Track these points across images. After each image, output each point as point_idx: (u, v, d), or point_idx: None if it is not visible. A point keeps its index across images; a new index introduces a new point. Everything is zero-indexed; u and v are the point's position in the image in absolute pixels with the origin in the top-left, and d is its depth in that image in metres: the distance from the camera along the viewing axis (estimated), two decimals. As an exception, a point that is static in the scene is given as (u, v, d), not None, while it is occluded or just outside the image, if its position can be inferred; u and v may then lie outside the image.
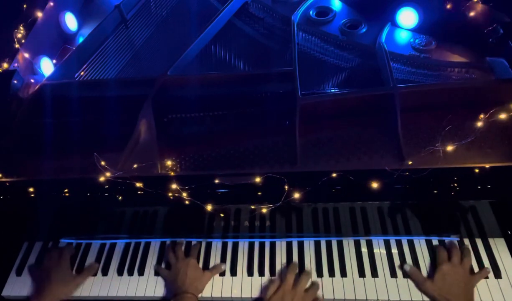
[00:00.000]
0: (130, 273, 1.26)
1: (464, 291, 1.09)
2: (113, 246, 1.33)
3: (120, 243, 1.33)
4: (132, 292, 1.22)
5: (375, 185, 0.99)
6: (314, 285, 1.17)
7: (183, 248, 1.27)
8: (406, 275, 1.18)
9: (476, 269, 1.17)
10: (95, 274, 1.27)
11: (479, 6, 1.30)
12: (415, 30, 1.39)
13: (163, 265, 1.27)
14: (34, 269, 1.29)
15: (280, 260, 1.24)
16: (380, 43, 1.28)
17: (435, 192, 1.03)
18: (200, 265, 1.24)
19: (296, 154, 1.06)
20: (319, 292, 1.17)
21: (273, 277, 1.21)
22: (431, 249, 1.23)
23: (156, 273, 1.25)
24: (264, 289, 1.18)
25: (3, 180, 1.09)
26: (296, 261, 1.23)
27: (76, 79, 1.30)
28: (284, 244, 1.28)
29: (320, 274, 1.20)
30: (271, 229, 1.25)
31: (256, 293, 1.19)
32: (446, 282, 1.10)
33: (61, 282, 1.19)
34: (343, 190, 1.03)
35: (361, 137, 1.10)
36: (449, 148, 1.02)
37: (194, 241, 1.30)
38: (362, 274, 1.19)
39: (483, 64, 1.22)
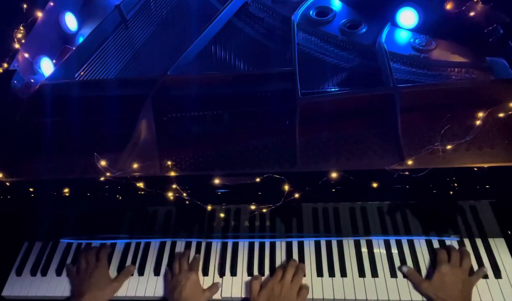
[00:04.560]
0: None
1: (461, 293, 1.08)
2: (113, 246, 1.33)
3: (120, 243, 1.33)
4: (132, 292, 1.22)
5: (375, 185, 0.99)
6: (299, 271, 1.17)
7: (187, 258, 1.26)
8: (405, 275, 1.17)
9: (476, 270, 1.17)
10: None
11: (479, 6, 1.30)
12: (415, 30, 1.39)
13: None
14: (71, 270, 1.27)
15: (280, 260, 1.24)
16: (380, 43, 1.28)
17: (435, 192, 1.03)
18: (200, 265, 1.24)
19: (296, 154, 1.06)
20: (320, 292, 1.17)
21: (255, 276, 1.21)
22: (431, 249, 1.23)
23: (156, 273, 1.25)
24: (249, 286, 1.17)
25: (3, 180, 1.09)
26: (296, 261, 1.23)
27: (76, 79, 1.30)
28: (284, 244, 1.28)
29: (320, 274, 1.20)
30: (271, 229, 1.25)
31: (256, 293, 1.19)
32: (444, 283, 1.10)
33: (100, 287, 1.17)
34: (343, 190, 1.03)
35: (361, 137, 1.10)
36: (449, 148, 1.02)
37: (194, 242, 1.30)
38: (362, 274, 1.19)
39: (483, 64, 1.22)
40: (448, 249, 1.19)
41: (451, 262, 1.14)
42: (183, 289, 1.13)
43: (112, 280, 1.22)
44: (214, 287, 1.20)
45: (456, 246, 1.22)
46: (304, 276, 1.19)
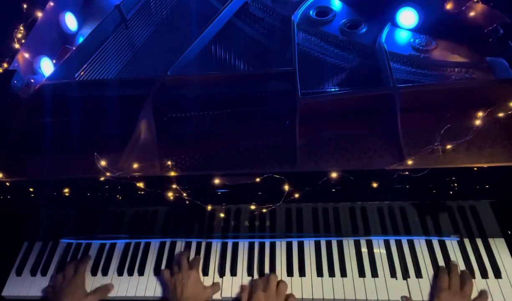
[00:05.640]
0: (130, 273, 1.26)
1: None
2: (113, 246, 1.33)
3: (120, 243, 1.33)
4: (132, 292, 1.22)
5: (375, 185, 0.99)
6: (282, 282, 1.17)
7: (187, 257, 1.25)
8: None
9: (476, 269, 1.17)
10: (94, 274, 1.26)
11: (479, 6, 1.30)
12: (415, 30, 1.39)
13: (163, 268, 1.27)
14: (49, 285, 1.25)
15: (280, 260, 1.24)
16: (380, 43, 1.28)
17: (435, 192, 1.03)
18: (200, 265, 1.24)
19: (296, 154, 1.06)
20: (320, 292, 1.17)
21: (243, 286, 1.20)
22: (431, 249, 1.23)
23: (156, 273, 1.25)
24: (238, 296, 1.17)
25: (3, 180, 1.09)
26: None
27: (76, 79, 1.30)
28: (284, 244, 1.28)
29: (320, 274, 1.20)
30: (271, 229, 1.25)
31: (256, 293, 1.19)
32: None
33: (74, 298, 1.15)
34: (343, 190, 1.03)
35: (361, 137, 1.10)
36: (449, 148, 1.02)
37: (194, 241, 1.30)
38: (362, 274, 1.19)
39: (483, 64, 1.22)
40: (450, 271, 1.16)
41: (451, 288, 1.10)
42: (185, 287, 1.13)
43: (89, 293, 1.20)
44: (216, 286, 1.20)
45: (456, 246, 1.22)
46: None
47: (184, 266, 1.20)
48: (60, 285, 1.20)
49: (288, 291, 1.16)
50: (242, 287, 1.18)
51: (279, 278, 1.19)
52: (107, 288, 1.23)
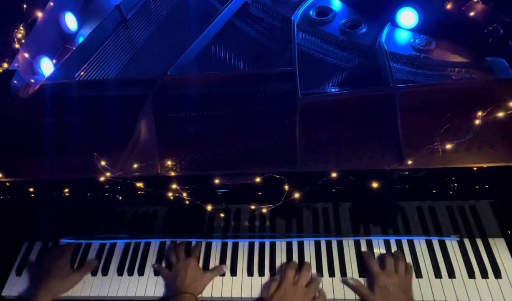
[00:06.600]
0: (130, 273, 1.26)
1: (403, 294, 1.09)
2: (113, 246, 1.33)
3: (120, 243, 1.33)
4: (132, 292, 1.22)
5: (375, 184, 0.99)
6: (314, 279, 1.17)
7: (184, 248, 1.27)
8: (352, 288, 1.17)
9: (476, 269, 1.18)
10: (94, 274, 1.27)
11: (479, 6, 1.30)
12: (415, 30, 1.39)
13: (163, 265, 1.27)
14: (34, 266, 1.30)
15: (280, 260, 1.24)
16: (380, 43, 1.28)
17: (435, 192, 1.03)
18: (200, 265, 1.24)
19: (296, 154, 1.06)
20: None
21: (274, 276, 1.20)
22: (431, 249, 1.23)
23: (156, 273, 1.25)
24: (265, 288, 1.18)
25: (3, 180, 1.09)
26: (296, 261, 1.23)
27: (76, 79, 1.30)
28: (284, 244, 1.28)
29: (320, 274, 1.20)
30: (271, 229, 1.25)
31: (256, 293, 1.19)
32: (385, 294, 1.09)
33: (59, 277, 1.19)
34: (343, 190, 1.03)
35: (361, 138, 1.10)
36: (449, 148, 1.02)
37: (194, 241, 1.31)
38: (362, 274, 1.19)
39: (483, 64, 1.22)
40: (381, 255, 1.20)
41: (386, 271, 1.14)
42: (185, 275, 1.14)
43: (74, 271, 1.24)
44: (218, 268, 1.21)
45: (456, 246, 1.22)
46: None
47: (182, 255, 1.22)
48: (46, 265, 1.23)
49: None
50: (273, 278, 1.19)
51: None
52: (91, 263, 1.26)
